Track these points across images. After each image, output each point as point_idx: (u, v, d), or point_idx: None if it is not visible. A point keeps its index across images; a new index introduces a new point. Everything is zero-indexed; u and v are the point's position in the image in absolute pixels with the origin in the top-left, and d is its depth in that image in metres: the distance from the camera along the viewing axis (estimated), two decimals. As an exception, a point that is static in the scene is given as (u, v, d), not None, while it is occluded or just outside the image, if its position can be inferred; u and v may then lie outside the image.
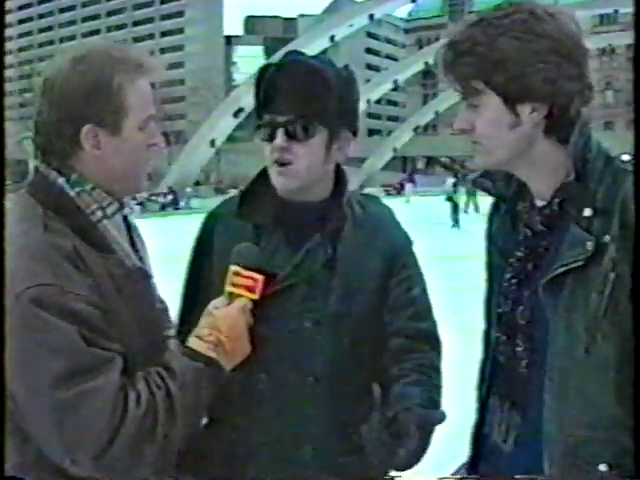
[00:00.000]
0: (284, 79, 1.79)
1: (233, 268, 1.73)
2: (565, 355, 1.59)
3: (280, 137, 1.80)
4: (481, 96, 1.62)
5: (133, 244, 1.78)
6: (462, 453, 1.94)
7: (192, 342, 1.68)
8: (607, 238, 1.54)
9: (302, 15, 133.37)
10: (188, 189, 41.79)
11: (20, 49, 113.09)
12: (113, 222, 1.70)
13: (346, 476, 1.85)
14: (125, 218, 1.79)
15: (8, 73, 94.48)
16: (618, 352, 1.53)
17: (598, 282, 1.54)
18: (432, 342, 1.90)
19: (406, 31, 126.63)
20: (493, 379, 1.81)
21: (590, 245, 1.55)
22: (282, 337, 1.81)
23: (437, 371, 1.87)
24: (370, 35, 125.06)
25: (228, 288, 1.73)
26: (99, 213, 1.66)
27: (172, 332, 1.79)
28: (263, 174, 1.92)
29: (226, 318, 1.69)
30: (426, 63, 45.94)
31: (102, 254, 1.63)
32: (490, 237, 1.86)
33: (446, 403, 1.82)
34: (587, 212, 1.58)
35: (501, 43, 1.57)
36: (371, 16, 41.09)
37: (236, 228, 1.88)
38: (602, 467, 1.57)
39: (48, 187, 1.65)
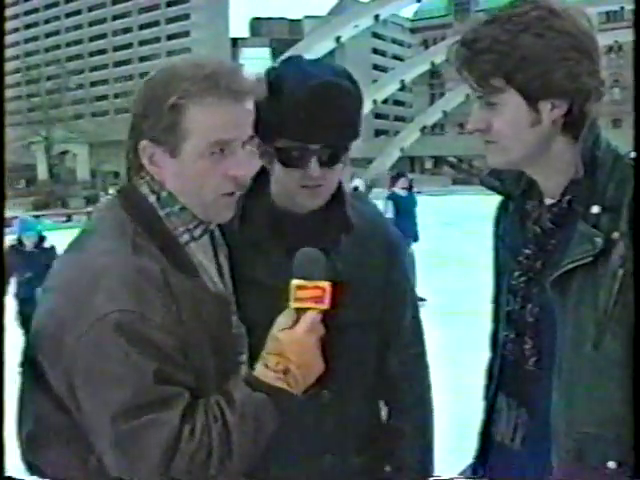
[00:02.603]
0: (318, 105, 1.67)
1: (296, 282, 1.60)
2: (573, 351, 1.59)
3: (315, 166, 1.71)
4: (500, 94, 1.61)
5: (219, 266, 1.73)
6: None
7: (259, 371, 1.58)
8: (616, 235, 1.54)
9: (307, 16, 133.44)
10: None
11: (27, 54, 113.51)
12: (200, 244, 1.65)
13: (363, 472, 1.89)
14: (212, 239, 1.72)
15: (16, 78, 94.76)
16: (626, 348, 1.53)
17: (607, 279, 1.54)
18: (422, 333, 1.98)
19: (412, 31, 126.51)
20: (501, 377, 1.82)
21: (599, 242, 1.55)
22: None
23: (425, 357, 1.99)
24: (376, 35, 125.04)
25: (294, 304, 1.60)
26: (186, 236, 1.62)
27: (244, 358, 1.71)
28: (258, 184, 1.82)
29: (293, 343, 1.58)
30: (432, 63, 45.88)
31: (187, 277, 1.58)
32: (498, 236, 1.86)
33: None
34: (595, 209, 1.58)
35: (523, 40, 1.56)
36: (376, 16, 41.05)
37: (232, 239, 1.80)
38: (611, 464, 1.57)
39: (140, 202, 1.61)
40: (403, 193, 10.96)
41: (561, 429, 1.62)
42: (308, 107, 1.66)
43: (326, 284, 1.60)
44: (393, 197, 10.99)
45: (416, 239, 11.03)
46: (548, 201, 1.70)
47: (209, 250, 1.69)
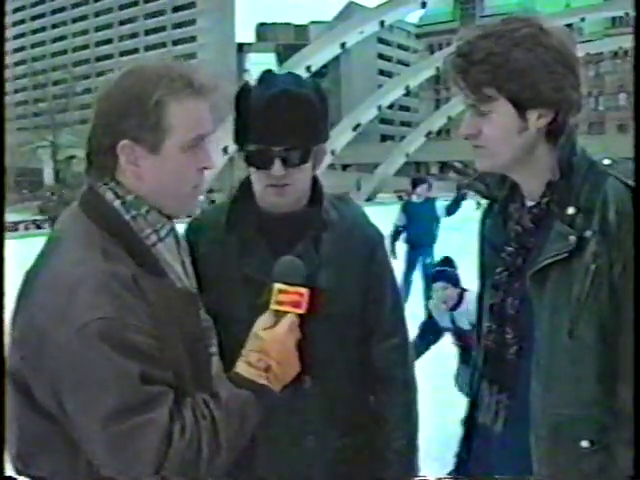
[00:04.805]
0: (276, 111, 1.84)
1: (278, 286, 1.71)
2: (550, 340, 1.73)
3: (278, 166, 1.87)
4: (492, 103, 1.74)
5: (182, 263, 1.77)
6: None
7: (241, 368, 1.66)
8: (588, 233, 1.68)
9: (313, 22, 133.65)
10: (201, 197, 41.78)
11: (34, 59, 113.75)
12: (166, 243, 1.69)
13: (346, 456, 2.00)
14: (176, 238, 1.76)
15: (22, 83, 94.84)
16: (598, 336, 1.67)
17: (580, 273, 1.68)
18: (404, 323, 2.11)
19: (417, 36, 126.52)
20: (484, 366, 1.95)
21: (573, 239, 1.69)
22: None
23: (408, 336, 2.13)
24: (381, 41, 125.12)
25: (274, 307, 1.70)
26: (153, 237, 1.66)
27: (215, 349, 1.77)
28: (244, 187, 2.01)
29: (275, 341, 1.66)
30: (438, 68, 45.77)
31: (156, 278, 1.63)
32: (483, 236, 2.00)
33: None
34: (571, 210, 1.72)
35: (516, 54, 1.70)
36: (382, 22, 40.97)
37: (220, 238, 1.97)
38: (584, 443, 1.70)
39: (105, 209, 1.64)
40: (418, 200, 10.51)
41: (539, 411, 1.76)
42: (267, 113, 1.86)
43: (305, 290, 1.71)
44: (405, 205, 10.63)
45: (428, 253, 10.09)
46: (529, 203, 1.84)
47: (174, 249, 1.73)
